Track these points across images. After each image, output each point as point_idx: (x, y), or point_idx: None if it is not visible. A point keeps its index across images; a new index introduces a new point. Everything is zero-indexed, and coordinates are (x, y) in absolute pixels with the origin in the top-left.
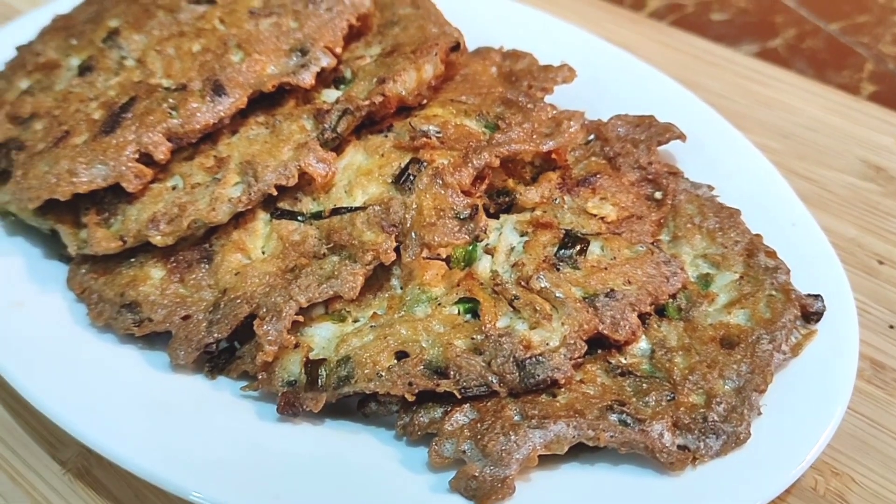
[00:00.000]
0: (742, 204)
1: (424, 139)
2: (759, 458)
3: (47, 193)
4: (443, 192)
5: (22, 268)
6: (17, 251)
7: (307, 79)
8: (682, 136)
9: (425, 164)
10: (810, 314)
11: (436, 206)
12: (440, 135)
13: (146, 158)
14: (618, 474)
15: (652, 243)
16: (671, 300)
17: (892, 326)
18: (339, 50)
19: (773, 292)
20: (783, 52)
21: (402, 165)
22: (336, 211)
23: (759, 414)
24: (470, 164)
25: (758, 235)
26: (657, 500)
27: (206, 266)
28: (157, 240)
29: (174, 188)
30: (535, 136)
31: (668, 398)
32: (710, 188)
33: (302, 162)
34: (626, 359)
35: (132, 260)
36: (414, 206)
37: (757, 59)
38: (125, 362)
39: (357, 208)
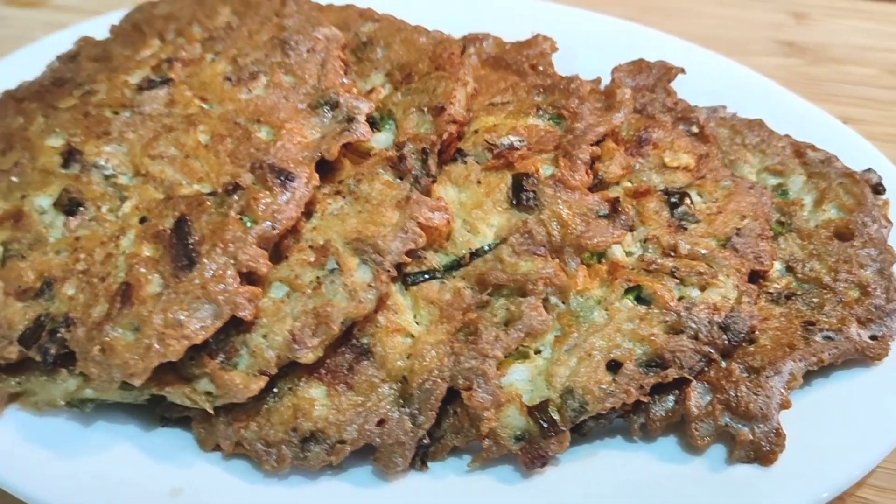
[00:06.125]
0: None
1: (514, 152)
2: None
3: (157, 358)
4: (573, 197)
5: (134, 450)
6: (117, 436)
7: (364, 132)
8: (682, 70)
9: (533, 176)
10: (876, 186)
11: (575, 212)
12: (523, 143)
13: (245, 278)
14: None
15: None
16: None
17: None
18: (356, 92)
19: (842, 179)
20: None
21: (509, 185)
22: (475, 254)
23: None
24: (579, 161)
25: (787, 135)
26: None
27: (368, 362)
28: (308, 357)
29: (286, 298)
30: (599, 113)
31: (836, 302)
32: (724, 108)
33: (421, 217)
34: (777, 285)
35: (274, 391)
36: (553, 221)
37: None
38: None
39: (496, 244)
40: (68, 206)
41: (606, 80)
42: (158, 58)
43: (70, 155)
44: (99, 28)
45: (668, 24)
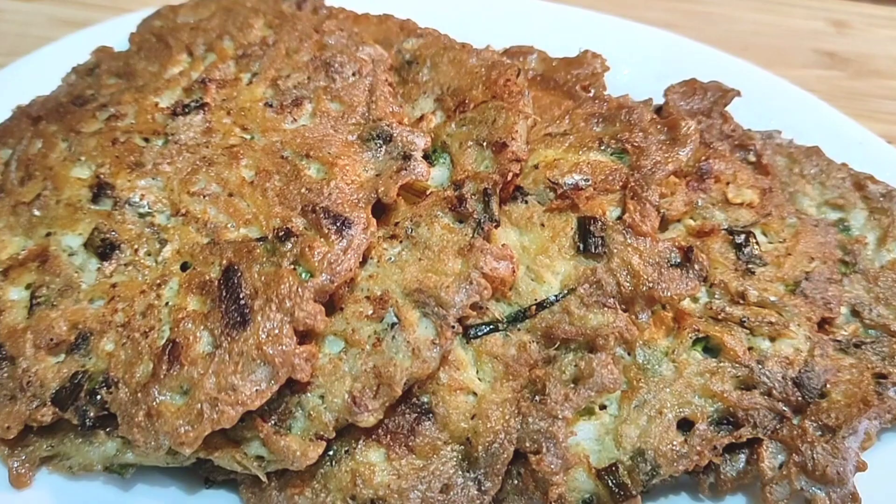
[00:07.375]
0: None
1: (579, 192)
2: None
3: (210, 426)
4: (643, 244)
5: None
6: (158, 501)
7: (422, 172)
8: (737, 93)
9: (600, 220)
10: None
11: (646, 261)
12: (588, 182)
13: (299, 334)
14: None
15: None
16: None
17: None
18: (407, 121)
19: None
20: None
21: (575, 229)
22: (541, 305)
23: None
24: (648, 204)
25: (844, 164)
26: None
27: (430, 422)
28: (369, 421)
29: (343, 354)
30: (665, 148)
31: None
32: (779, 133)
33: (486, 267)
34: (845, 331)
35: (330, 453)
36: (623, 270)
37: None
38: None
39: (564, 295)
40: (101, 247)
41: (643, 91)
42: (189, 77)
43: (100, 189)
44: (113, 32)
45: (709, 31)
